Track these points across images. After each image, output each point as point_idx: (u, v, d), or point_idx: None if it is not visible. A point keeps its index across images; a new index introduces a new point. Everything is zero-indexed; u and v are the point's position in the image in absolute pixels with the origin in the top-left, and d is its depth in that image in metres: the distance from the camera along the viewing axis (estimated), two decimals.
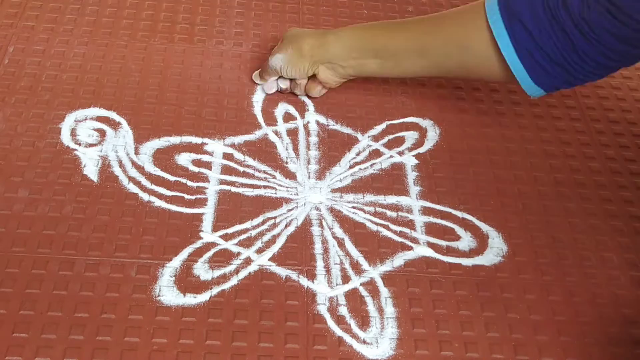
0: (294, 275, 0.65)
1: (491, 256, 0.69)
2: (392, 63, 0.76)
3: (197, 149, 0.74)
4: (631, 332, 0.65)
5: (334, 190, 0.73)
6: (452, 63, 0.74)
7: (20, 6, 0.86)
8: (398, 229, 0.70)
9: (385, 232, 0.70)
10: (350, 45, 0.75)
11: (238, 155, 0.74)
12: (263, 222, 0.69)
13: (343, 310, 0.63)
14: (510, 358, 0.62)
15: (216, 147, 0.74)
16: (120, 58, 0.82)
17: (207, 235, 0.67)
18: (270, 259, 0.66)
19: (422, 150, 0.78)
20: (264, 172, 0.73)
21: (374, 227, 0.70)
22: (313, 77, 0.78)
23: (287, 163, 0.74)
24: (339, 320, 0.62)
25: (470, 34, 0.71)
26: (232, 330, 0.61)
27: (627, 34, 0.61)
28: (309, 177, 0.73)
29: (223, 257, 0.65)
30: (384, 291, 0.65)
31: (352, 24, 0.81)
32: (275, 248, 0.67)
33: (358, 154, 0.76)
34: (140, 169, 0.71)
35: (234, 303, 0.63)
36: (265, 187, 0.72)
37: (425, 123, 0.80)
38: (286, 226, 0.69)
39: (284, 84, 0.79)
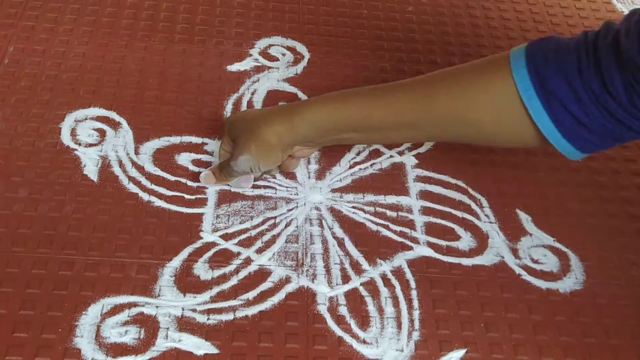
0: (294, 275, 0.65)
1: (491, 256, 0.69)
2: (379, 135, 0.67)
3: (197, 149, 0.74)
4: (631, 330, 0.65)
5: (334, 190, 0.73)
6: (450, 135, 0.66)
7: (20, 6, 0.86)
8: (398, 228, 0.70)
9: (385, 232, 0.70)
10: (320, 126, 0.65)
11: None
12: (263, 222, 0.69)
13: (343, 310, 0.63)
14: (510, 358, 0.62)
15: (216, 147, 0.74)
16: (120, 58, 0.82)
17: (207, 235, 0.67)
18: (270, 259, 0.66)
19: (422, 150, 0.78)
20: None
21: (374, 227, 0.70)
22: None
23: None
24: (339, 320, 0.62)
25: (476, 107, 0.61)
26: (232, 330, 0.61)
27: None
28: (309, 177, 0.73)
29: (223, 257, 0.65)
30: (384, 291, 0.65)
31: (341, 91, 0.67)
32: (275, 248, 0.67)
33: (358, 153, 0.76)
34: (140, 168, 0.71)
35: None
36: (265, 187, 0.72)
37: None
38: (286, 226, 0.69)
39: (257, 174, 0.69)
